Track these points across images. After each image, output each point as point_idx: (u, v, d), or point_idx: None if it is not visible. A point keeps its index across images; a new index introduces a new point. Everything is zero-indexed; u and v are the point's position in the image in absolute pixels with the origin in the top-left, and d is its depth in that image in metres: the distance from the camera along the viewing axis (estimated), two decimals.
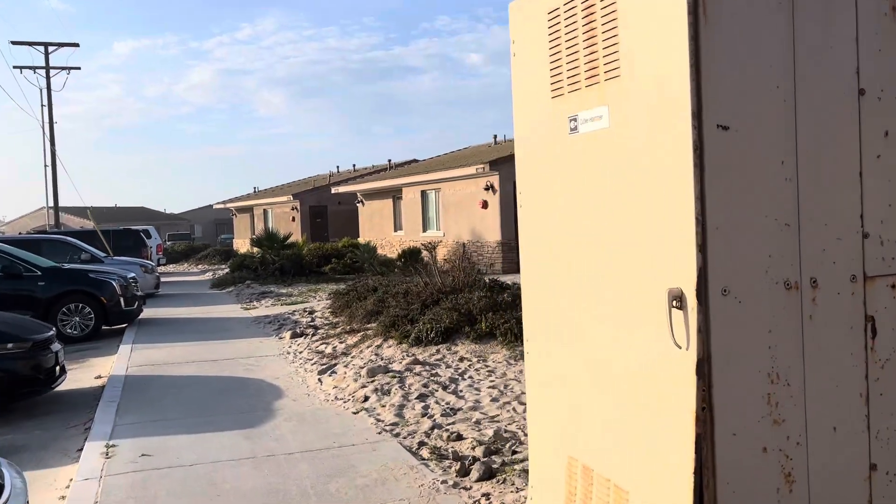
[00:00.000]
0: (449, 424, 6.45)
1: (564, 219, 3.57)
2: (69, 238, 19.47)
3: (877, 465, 3.05)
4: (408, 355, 9.30)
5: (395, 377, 8.22)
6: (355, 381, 8.27)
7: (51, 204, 36.87)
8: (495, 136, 31.73)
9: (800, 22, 2.88)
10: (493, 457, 5.50)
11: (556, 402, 3.74)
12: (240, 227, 49.63)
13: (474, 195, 23.50)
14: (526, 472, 4.98)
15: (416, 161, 39.89)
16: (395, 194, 29.83)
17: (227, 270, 27.33)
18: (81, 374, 9.83)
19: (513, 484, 4.98)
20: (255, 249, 27.26)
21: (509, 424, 6.30)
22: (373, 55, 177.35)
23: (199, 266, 37.66)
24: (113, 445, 6.28)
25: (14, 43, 35.73)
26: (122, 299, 13.49)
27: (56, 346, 8.08)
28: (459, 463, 5.36)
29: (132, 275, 14.97)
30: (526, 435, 5.82)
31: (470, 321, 9.81)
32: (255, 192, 53.29)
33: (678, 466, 2.86)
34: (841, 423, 2.98)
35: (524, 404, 6.77)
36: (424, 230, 27.24)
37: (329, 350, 10.36)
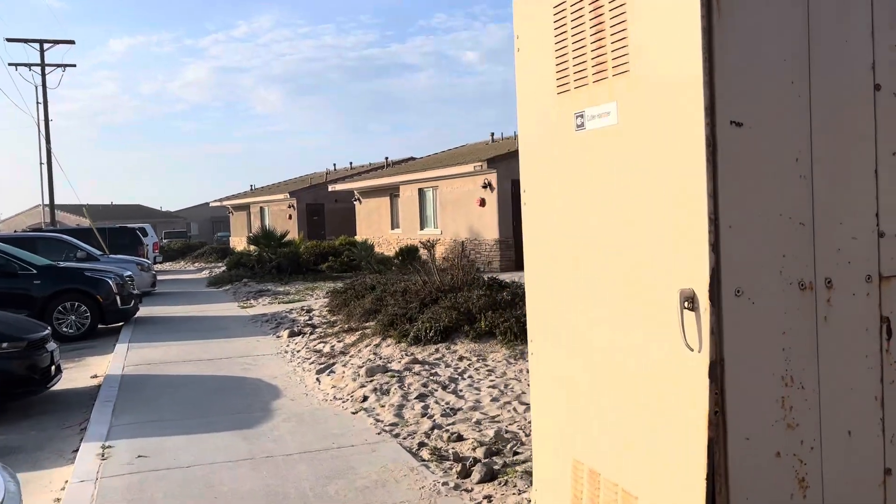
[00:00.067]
0: (449, 425, 6.38)
1: (570, 217, 3.50)
2: (65, 236, 19.36)
3: (891, 469, 2.98)
4: (407, 354, 9.22)
5: (394, 377, 8.14)
6: (354, 380, 8.19)
7: (46, 201, 36.70)
8: (492, 134, 31.72)
9: (815, 15, 2.81)
10: (494, 458, 5.43)
11: (561, 404, 3.67)
12: (236, 224, 49.49)
13: (472, 193, 23.42)
14: (528, 473, 4.91)
15: (413, 159, 39.80)
16: (392, 192, 29.75)
17: (223, 268, 27.30)
18: (77, 374, 9.74)
19: (515, 486, 4.91)
20: (252, 247, 27.15)
21: (510, 425, 6.23)
22: (369, 52, 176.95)
23: (196, 264, 37.62)
24: (109, 446, 6.20)
25: (10, 40, 35.57)
26: (118, 298, 13.39)
27: (52, 345, 8.00)
28: (460, 464, 5.29)
29: (128, 273, 14.88)
30: (527, 435, 5.75)
31: (469, 320, 9.74)
32: (251, 189, 53.17)
33: (690, 471, 2.79)
34: (855, 427, 2.91)
35: (525, 404, 6.70)
36: (422, 228, 27.17)
37: (327, 349, 10.28)
